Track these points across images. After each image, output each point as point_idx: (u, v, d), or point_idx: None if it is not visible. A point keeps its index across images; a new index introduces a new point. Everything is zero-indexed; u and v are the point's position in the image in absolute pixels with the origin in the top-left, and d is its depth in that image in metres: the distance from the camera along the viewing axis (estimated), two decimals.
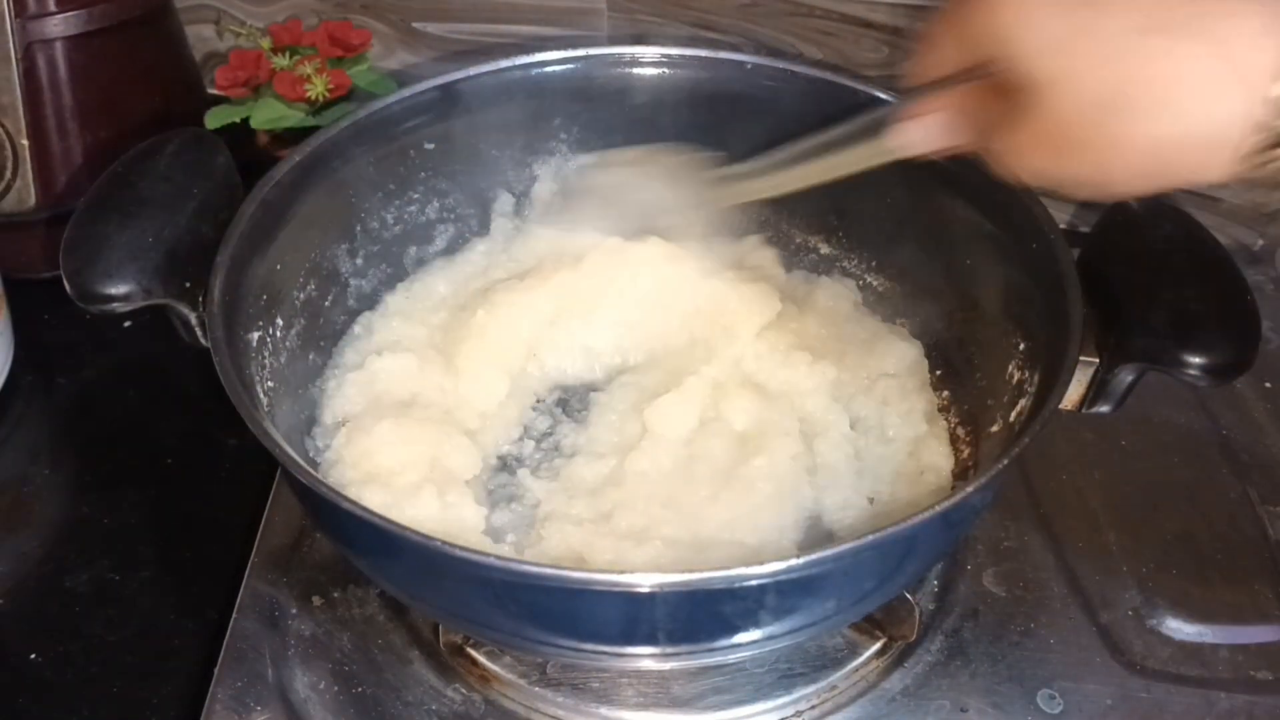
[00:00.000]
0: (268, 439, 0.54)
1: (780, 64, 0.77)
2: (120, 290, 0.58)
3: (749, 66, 0.77)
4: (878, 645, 0.67)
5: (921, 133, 0.55)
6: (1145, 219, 0.64)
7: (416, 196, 0.79)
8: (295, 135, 1.00)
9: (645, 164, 0.76)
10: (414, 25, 1.07)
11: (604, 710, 0.64)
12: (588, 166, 0.79)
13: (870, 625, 0.66)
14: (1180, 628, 0.68)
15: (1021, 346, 0.66)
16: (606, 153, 0.78)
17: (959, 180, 0.71)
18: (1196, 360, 0.56)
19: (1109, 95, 0.44)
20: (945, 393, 0.74)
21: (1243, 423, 0.81)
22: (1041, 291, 0.63)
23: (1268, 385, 0.84)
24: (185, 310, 0.60)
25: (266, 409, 0.63)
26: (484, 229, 0.83)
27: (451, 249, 0.82)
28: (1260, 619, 0.69)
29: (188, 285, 0.60)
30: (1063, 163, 0.47)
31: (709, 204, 0.72)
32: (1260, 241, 0.97)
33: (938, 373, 0.75)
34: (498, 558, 0.49)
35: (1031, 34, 0.46)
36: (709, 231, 0.78)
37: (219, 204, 0.64)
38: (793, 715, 0.64)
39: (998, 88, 0.49)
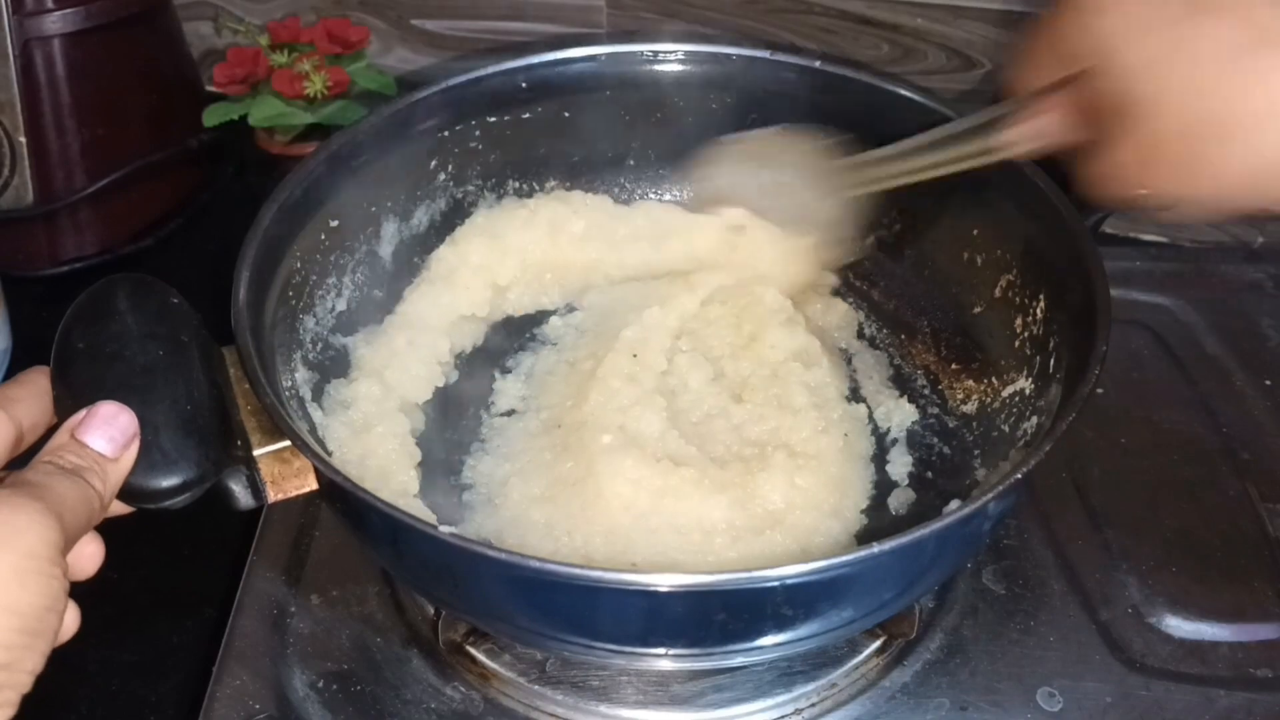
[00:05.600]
0: (307, 451, 0.53)
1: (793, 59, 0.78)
2: (176, 480, 0.51)
3: (733, 58, 0.77)
4: (877, 643, 0.67)
5: (1026, 133, 0.56)
6: None
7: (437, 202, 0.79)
8: (294, 132, 1.00)
9: (773, 147, 0.77)
10: (412, 22, 1.07)
11: (604, 708, 0.64)
12: (715, 145, 0.79)
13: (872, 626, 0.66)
14: (1180, 625, 0.68)
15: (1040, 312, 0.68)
16: (739, 136, 0.78)
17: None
18: None
19: (1206, 121, 0.43)
20: (954, 364, 0.75)
21: (1243, 421, 0.81)
22: (1060, 258, 0.65)
23: (1268, 383, 0.83)
24: (238, 471, 0.54)
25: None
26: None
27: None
28: (1260, 616, 0.69)
29: (229, 449, 0.54)
30: (1154, 182, 0.47)
31: (832, 192, 0.74)
32: (1260, 239, 0.97)
33: (944, 351, 0.76)
34: (520, 555, 0.49)
35: (1131, 49, 0.45)
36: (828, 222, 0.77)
37: (206, 346, 0.58)
38: (792, 713, 0.64)
39: (1096, 98, 0.48)
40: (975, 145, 0.62)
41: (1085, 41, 0.48)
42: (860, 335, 0.80)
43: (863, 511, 0.68)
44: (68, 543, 0.44)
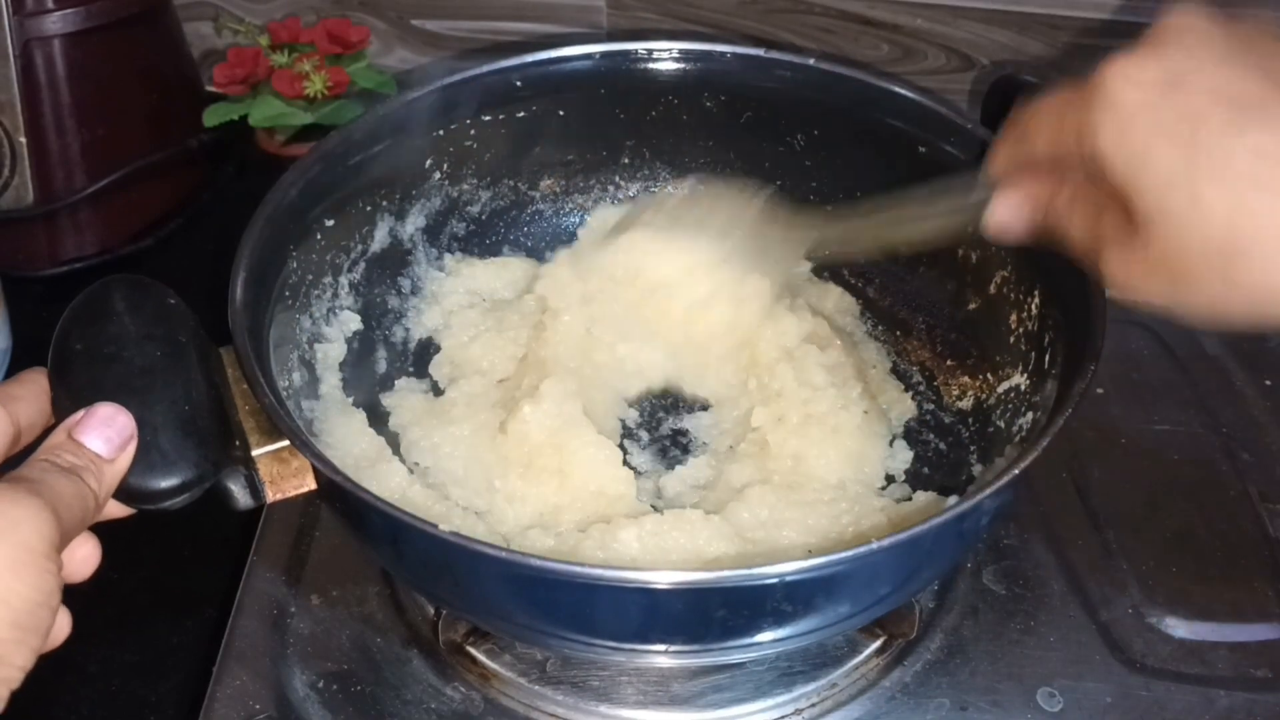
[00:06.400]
0: (306, 450, 0.53)
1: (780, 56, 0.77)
2: (175, 481, 0.50)
3: (728, 56, 0.76)
4: (878, 643, 0.66)
5: (1011, 211, 0.52)
6: (1030, 90, 0.69)
7: (438, 205, 0.79)
8: (293, 133, 1.00)
9: (703, 208, 0.75)
10: (412, 22, 1.07)
11: (604, 708, 0.64)
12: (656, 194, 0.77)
13: (870, 623, 0.66)
14: (1180, 626, 0.68)
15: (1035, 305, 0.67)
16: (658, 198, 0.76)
17: (958, 157, 0.71)
18: None
19: (1232, 241, 0.41)
20: (949, 360, 0.75)
21: (1243, 421, 0.81)
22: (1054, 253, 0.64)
23: (1268, 383, 0.83)
24: (237, 471, 0.54)
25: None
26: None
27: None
28: (1260, 617, 0.69)
29: (228, 450, 0.54)
30: (1175, 295, 0.44)
31: (778, 247, 0.71)
32: None
33: (939, 347, 0.76)
34: (520, 554, 0.49)
35: (1145, 159, 0.42)
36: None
37: (204, 347, 0.57)
38: (792, 713, 0.64)
39: (1099, 189, 0.45)
40: (949, 216, 0.58)
41: (1088, 139, 0.44)
42: (863, 317, 0.81)
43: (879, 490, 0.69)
44: (63, 539, 0.44)
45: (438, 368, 0.77)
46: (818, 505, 0.66)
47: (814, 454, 0.68)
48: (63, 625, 0.47)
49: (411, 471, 0.67)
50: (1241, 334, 0.85)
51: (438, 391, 0.76)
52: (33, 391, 0.51)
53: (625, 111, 0.80)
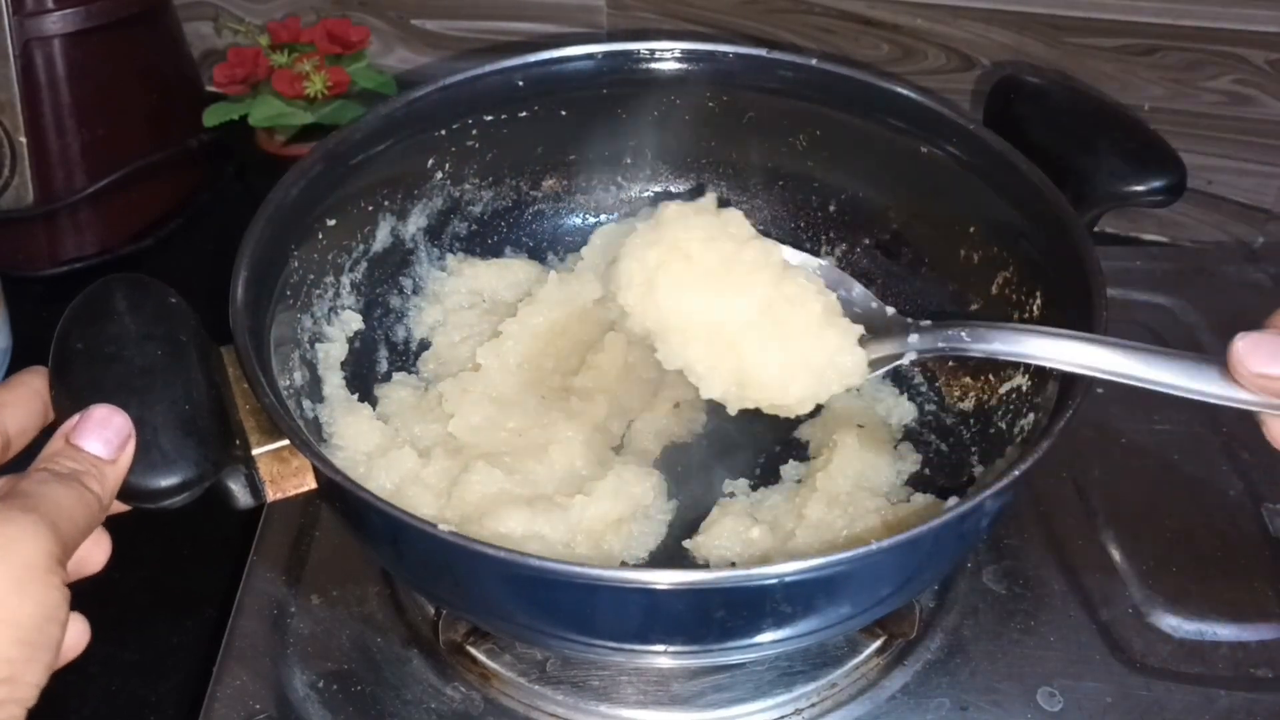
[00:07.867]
0: (306, 450, 0.53)
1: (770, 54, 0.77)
2: (176, 480, 0.50)
3: (730, 56, 0.76)
4: (878, 643, 0.67)
5: None
6: (1032, 91, 0.75)
7: (437, 204, 0.79)
8: (293, 133, 1.00)
9: None
10: (412, 22, 1.07)
11: (604, 708, 0.64)
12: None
13: (871, 623, 0.66)
14: (1180, 625, 0.68)
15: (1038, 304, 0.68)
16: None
17: (960, 158, 0.72)
18: (1160, 183, 0.67)
19: None
20: (951, 361, 0.75)
21: (1243, 420, 0.80)
22: (1056, 254, 0.65)
23: None
24: (238, 470, 0.54)
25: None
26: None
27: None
28: (1260, 616, 0.69)
29: (228, 449, 0.54)
30: None
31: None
32: (1260, 239, 0.97)
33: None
34: (520, 554, 0.49)
35: None
36: None
37: (205, 346, 0.57)
38: (792, 713, 0.64)
39: None
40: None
41: None
42: None
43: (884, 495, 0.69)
44: (66, 550, 0.44)
45: (425, 363, 0.77)
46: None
47: (819, 478, 0.68)
48: (77, 637, 0.48)
49: (421, 456, 0.67)
50: None
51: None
52: (23, 396, 0.51)
53: (627, 111, 0.80)
